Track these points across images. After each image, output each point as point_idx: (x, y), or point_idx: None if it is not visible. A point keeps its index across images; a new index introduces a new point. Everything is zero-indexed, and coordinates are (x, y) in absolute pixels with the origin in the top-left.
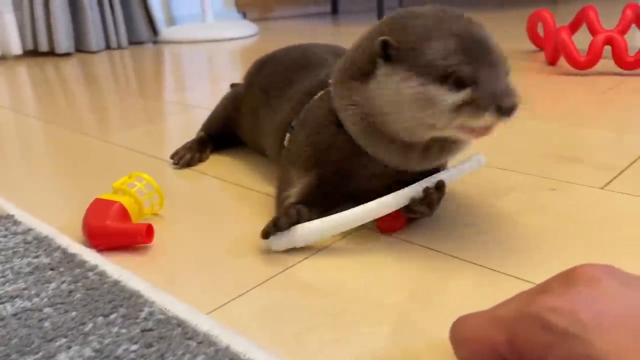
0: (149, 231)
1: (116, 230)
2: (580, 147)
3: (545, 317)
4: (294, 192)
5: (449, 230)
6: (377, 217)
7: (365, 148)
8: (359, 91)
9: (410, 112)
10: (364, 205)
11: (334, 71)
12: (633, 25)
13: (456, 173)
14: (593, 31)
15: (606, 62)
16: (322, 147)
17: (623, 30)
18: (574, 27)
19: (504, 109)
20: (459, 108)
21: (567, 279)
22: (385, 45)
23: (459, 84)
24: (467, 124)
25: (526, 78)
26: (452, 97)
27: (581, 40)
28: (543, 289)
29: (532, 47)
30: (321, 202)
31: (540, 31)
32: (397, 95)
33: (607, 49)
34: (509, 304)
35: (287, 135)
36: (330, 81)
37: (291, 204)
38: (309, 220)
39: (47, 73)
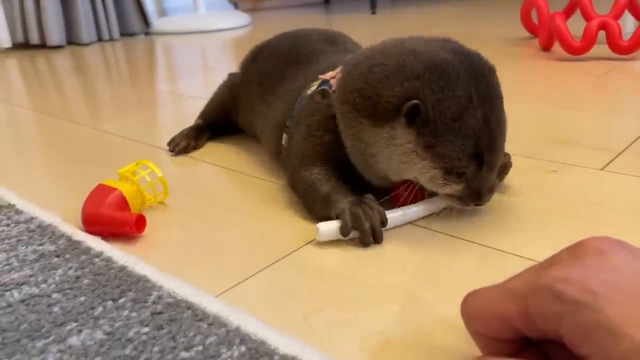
0: (139, 222)
1: (108, 219)
2: (578, 130)
3: (556, 287)
4: (328, 188)
5: (452, 212)
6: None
7: (358, 169)
8: (366, 131)
9: (407, 173)
10: (427, 203)
11: (341, 84)
12: (626, 11)
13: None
14: (587, 17)
15: (600, 47)
16: (322, 149)
17: (617, 16)
18: (568, 13)
19: (482, 204)
20: (455, 192)
21: (576, 251)
22: (415, 109)
23: (458, 176)
24: (447, 201)
25: (521, 64)
26: (452, 187)
27: (575, 25)
28: (553, 261)
29: (526, 33)
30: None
31: (534, 17)
32: (402, 156)
33: (602, 34)
34: (519, 277)
35: (284, 135)
36: (327, 88)
37: (355, 201)
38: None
39: (39, 65)
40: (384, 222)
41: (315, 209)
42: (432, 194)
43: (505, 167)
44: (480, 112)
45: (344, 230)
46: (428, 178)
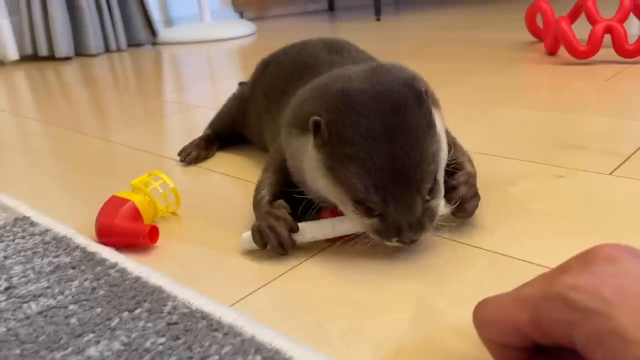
0: (152, 232)
1: (121, 230)
2: (585, 134)
3: (567, 295)
4: (266, 192)
5: (462, 219)
6: None
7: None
8: (295, 142)
9: (325, 193)
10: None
11: (287, 110)
12: (631, 14)
13: None
14: (592, 20)
15: (606, 51)
16: (283, 161)
17: (622, 19)
18: (573, 17)
19: (405, 242)
20: (370, 226)
21: (587, 258)
22: (317, 125)
23: (369, 212)
24: (370, 234)
25: (526, 69)
26: (363, 220)
27: (581, 30)
28: (564, 269)
29: (531, 38)
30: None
31: (540, 22)
32: (314, 170)
33: (607, 37)
34: (531, 285)
35: None
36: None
37: (268, 205)
38: (288, 212)
39: (47, 77)
40: (293, 229)
41: (253, 206)
42: None
43: (462, 199)
44: (385, 143)
45: (256, 244)
46: (339, 202)
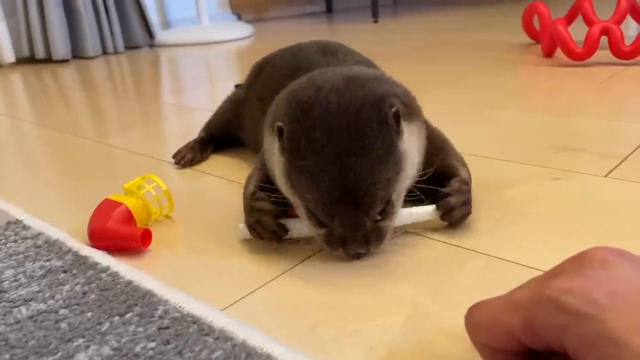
0: (145, 236)
1: (114, 233)
2: (581, 137)
3: (559, 298)
4: (252, 187)
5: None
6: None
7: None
8: (268, 141)
9: (287, 197)
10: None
11: (269, 110)
12: (628, 15)
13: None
14: (589, 22)
15: (603, 53)
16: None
17: (619, 21)
18: (569, 19)
19: (349, 254)
20: (318, 235)
21: (580, 261)
22: (280, 131)
23: (318, 223)
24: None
25: (523, 70)
26: (313, 228)
27: (577, 31)
28: (556, 272)
29: (528, 40)
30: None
31: (536, 24)
32: (278, 173)
33: (604, 39)
34: (523, 289)
35: None
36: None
37: (250, 199)
38: (269, 201)
39: (45, 80)
40: (279, 215)
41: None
42: None
43: (451, 208)
44: (337, 163)
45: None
46: (296, 206)
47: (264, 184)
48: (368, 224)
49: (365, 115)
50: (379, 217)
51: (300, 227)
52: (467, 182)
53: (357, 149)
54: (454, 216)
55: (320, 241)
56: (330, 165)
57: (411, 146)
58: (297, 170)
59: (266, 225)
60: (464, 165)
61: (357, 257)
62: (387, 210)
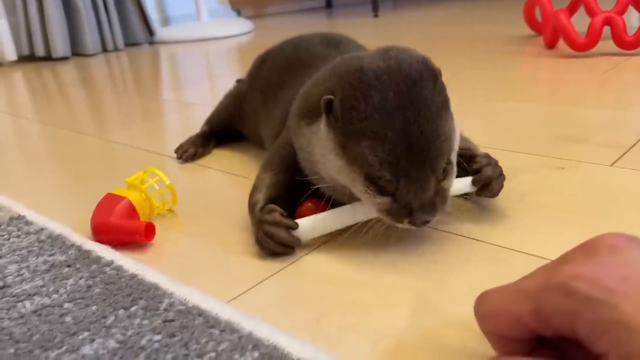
0: (148, 229)
1: (117, 227)
2: (585, 127)
3: (570, 284)
4: (261, 196)
5: (460, 211)
6: None
7: (312, 181)
8: (304, 133)
9: (336, 175)
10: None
11: (295, 103)
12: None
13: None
14: (591, 13)
15: (605, 43)
16: (285, 159)
17: (621, 11)
18: (571, 10)
19: (417, 223)
20: (380, 206)
21: (589, 248)
22: (329, 104)
23: (380, 190)
24: (379, 215)
25: (525, 62)
26: (373, 200)
27: (579, 22)
28: (565, 259)
29: (530, 31)
30: (287, 203)
31: (538, 16)
32: (326, 154)
33: (606, 30)
34: (532, 276)
35: None
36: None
37: (260, 212)
38: (282, 214)
39: (45, 77)
40: (291, 227)
41: (249, 210)
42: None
43: (489, 180)
44: (400, 117)
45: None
46: (350, 182)
47: (280, 189)
48: (433, 183)
49: (417, 71)
50: (441, 177)
51: (310, 227)
52: (491, 156)
53: (417, 103)
54: (493, 188)
55: (382, 213)
56: (392, 122)
57: (454, 110)
58: (355, 136)
59: (278, 238)
60: (476, 147)
61: (423, 225)
62: (448, 169)
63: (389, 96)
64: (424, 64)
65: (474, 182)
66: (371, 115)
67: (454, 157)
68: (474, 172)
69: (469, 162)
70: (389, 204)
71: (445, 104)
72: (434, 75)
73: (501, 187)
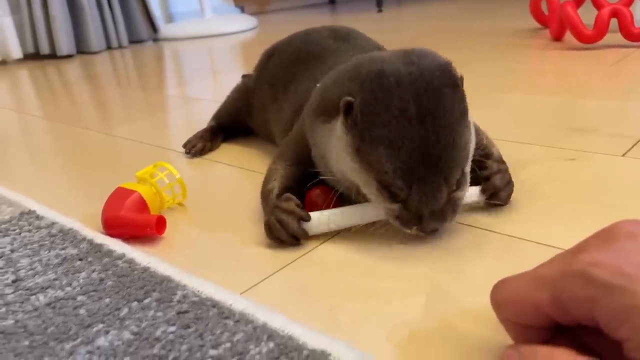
0: (159, 223)
1: (128, 221)
2: (594, 118)
3: (589, 271)
4: (276, 184)
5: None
6: None
7: (325, 176)
8: (320, 130)
9: (349, 175)
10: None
11: (312, 98)
12: None
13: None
14: (598, 5)
15: (612, 35)
16: (297, 151)
17: (628, 3)
18: (578, 2)
19: (425, 231)
20: (391, 211)
21: (606, 235)
22: (349, 106)
23: (392, 196)
24: (389, 219)
25: (532, 55)
26: (386, 204)
27: (586, 14)
28: (583, 247)
29: (536, 25)
30: (297, 196)
31: (544, 9)
32: (341, 153)
33: (613, 21)
34: (549, 264)
35: None
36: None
37: (276, 199)
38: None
39: (50, 75)
40: (304, 219)
41: (262, 198)
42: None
43: (497, 189)
44: (418, 126)
45: (269, 238)
46: (362, 184)
47: (293, 181)
48: (445, 193)
49: (438, 78)
50: (454, 187)
51: (318, 222)
52: (503, 161)
53: (436, 112)
54: (501, 196)
55: (392, 218)
56: (410, 130)
57: (472, 119)
58: (372, 140)
59: (288, 227)
60: (493, 144)
61: (432, 233)
62: (462, 180)
63: (408, 104)
64: (446, 72)
65: (482, 191)
66: (389, 123)
67: (468, 168)
68: (485, 179)
69: (480, 166)
70: (400, 210)
71: (464, 113)
72: (455, 84)
73: (510, 194)
